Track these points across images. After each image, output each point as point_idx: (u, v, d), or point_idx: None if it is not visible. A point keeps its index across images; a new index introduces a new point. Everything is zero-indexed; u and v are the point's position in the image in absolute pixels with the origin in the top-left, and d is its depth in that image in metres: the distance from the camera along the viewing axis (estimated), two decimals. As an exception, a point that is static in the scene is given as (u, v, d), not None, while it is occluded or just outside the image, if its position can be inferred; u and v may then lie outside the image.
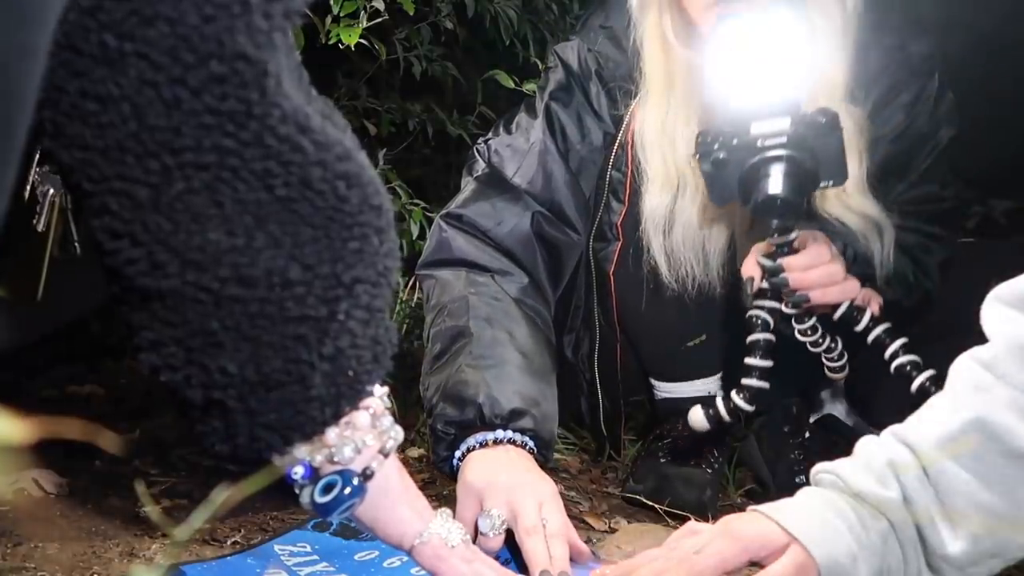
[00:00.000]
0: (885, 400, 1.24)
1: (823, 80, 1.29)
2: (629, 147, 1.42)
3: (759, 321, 1.22)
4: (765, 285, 1.20)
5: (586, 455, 1.61)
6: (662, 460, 1.45)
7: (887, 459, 0.88)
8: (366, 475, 0.80)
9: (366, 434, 0.78)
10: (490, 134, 1.50)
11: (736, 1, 1.25)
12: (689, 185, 1.35)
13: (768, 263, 1.19)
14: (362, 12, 1.54)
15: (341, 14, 1.53)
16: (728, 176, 1.16)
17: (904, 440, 0.88)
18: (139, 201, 0.63)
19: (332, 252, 0.69)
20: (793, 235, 1.18)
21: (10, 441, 0.38)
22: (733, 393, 1.24)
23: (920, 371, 1.19)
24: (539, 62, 1.93)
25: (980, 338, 0.89)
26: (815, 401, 1.52)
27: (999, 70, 1.77)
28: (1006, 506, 0.83)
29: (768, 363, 1.22)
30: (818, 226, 1.29)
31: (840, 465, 0.91)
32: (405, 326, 1.88)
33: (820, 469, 0.93)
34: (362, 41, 1.57)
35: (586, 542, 1.13)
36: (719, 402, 1.25)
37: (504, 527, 1.09)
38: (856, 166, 1.28)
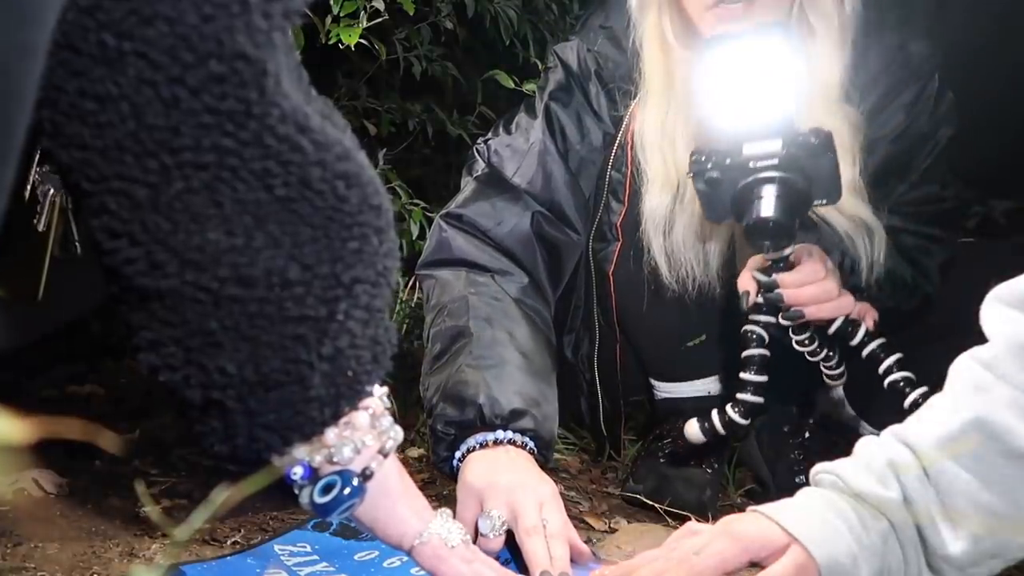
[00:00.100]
0: (885, 400, 1.24)
1: (819, 81, 1.29)
2: (629, 148, 1.42)
3: (754, 336, 1.23)
4: (760, 300, 1.21)
5: (586, 455, 1.61)
6: (662, 460, 1.45)
7: (887, 459, 0.87)
8: (365, 475, 0.80)
9: (365, 434, 0.78)
10: (490, 134, 1.50)
11: (735, 3, 1.25)
12: (689, 186, 1.35)
13: (763, 278, 1.20)
14: (362, 12, 1.54)
15: (341, 14, 1.53)
16: (722, 195, 1.17)
17: (904, 440, 0.88)
18: (138, 201, 0.63)
19: (331, 252, 0.69)
20: (788, 250, 1.18)
21: (10, 441, 0.38)
22: (728, 407, 1.26)
23: (914, 387, 1.20)
24: (539, 62, 1.93)
25: (980, 338, 0.89)
26: (815, 401, 1.52)
27: (999, 70, 1.76)
28: (1006, 506, 0.83)
29: (763, 378, 1.24)
30: (815, 237, 1.29)
31: (840, 465, 0.91)
32: (405, 326, 1.88)
33: (820, 469, 0.93)
34: (362, 41, 1.57)
35: (586, 542, 1.13)
36: (714, 415, 1.27)
37: (504, 528, 1.08)
38: (849, 168, 1.29)
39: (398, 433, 0.83)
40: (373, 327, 0.74)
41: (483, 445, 1.17)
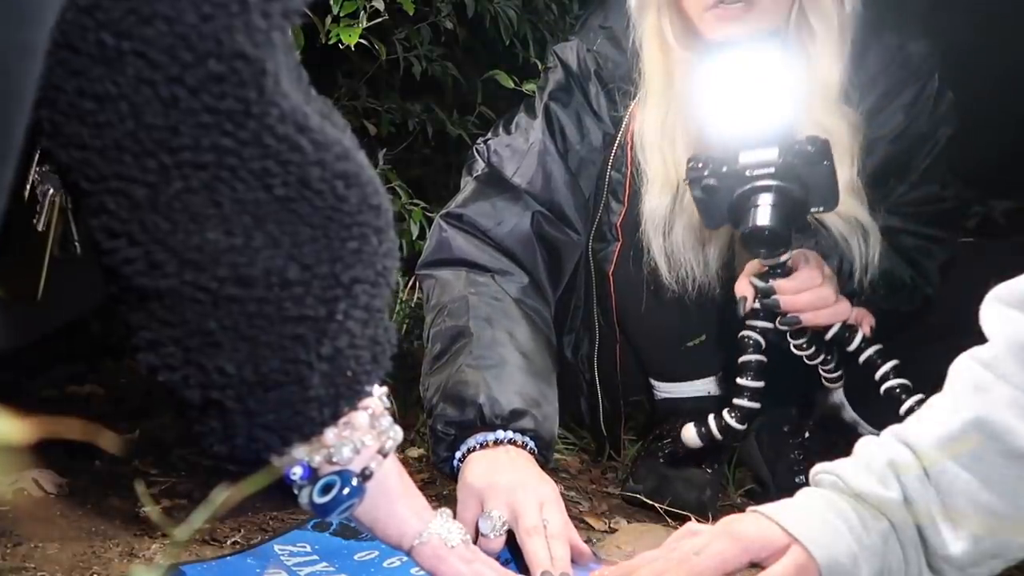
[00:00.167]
0: (884, 400, 1.24)
1: (819, 81, 1.29)
2: (629, 148, 1.42)
3: (751, 342, 1.24)
4: (757, 305, 1.21)
5: (586, 455, 1.61)
6: (662, 460, 1.45)
7: (888, 459, 0.87)
8: (365, 475, 0.80)
9: (365, 434, 0.78)
10: (489, 134, 1.50)
11: (735, 3, 1.25)
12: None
13: (760, 284, 1.21)
14: (362, 12, 1.54)
15: (341, 14, 1.53)
16: (719, 202, 1.17)
17: (904, 440, 0.88)
18: (137, 200, 0.63)
19: (331, 252, 0.69)
20: (785, 256, 1.19)
21: (10, 441, 0.38)
22: (725, 412, 1.27)
23: (910, 394, 1.21)
24: (539, 62, 1.93)
25: (980, 338, 0.89)
26: (814, 402, 1.52)
27: (999, 70, 1.76)
28: (1007, 507, 0.83)
29: (759, 384, 1.25)
30: (812, 241, 1.29)
31: (840, 465, 0.91)
32: (405, 326, 1.88)
33: (820, 469, 0.93)
34: (362, 41, 1.57)
35: (586, 542, 1.13)
36: (711, 420, 1.28)
37: (505, 528, 1.08)
38: (848, 168, 1.29)
39: (397, 433, 0.83)
40: (372, 327, 0.73)
41: (483, 445, 1.17)
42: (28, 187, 0.82)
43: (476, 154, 1.49)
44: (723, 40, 1.27)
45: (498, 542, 1.08)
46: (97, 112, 0.61)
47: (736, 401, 1.26)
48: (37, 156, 0.80)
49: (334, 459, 0.76)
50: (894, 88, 1.38)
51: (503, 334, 1.29)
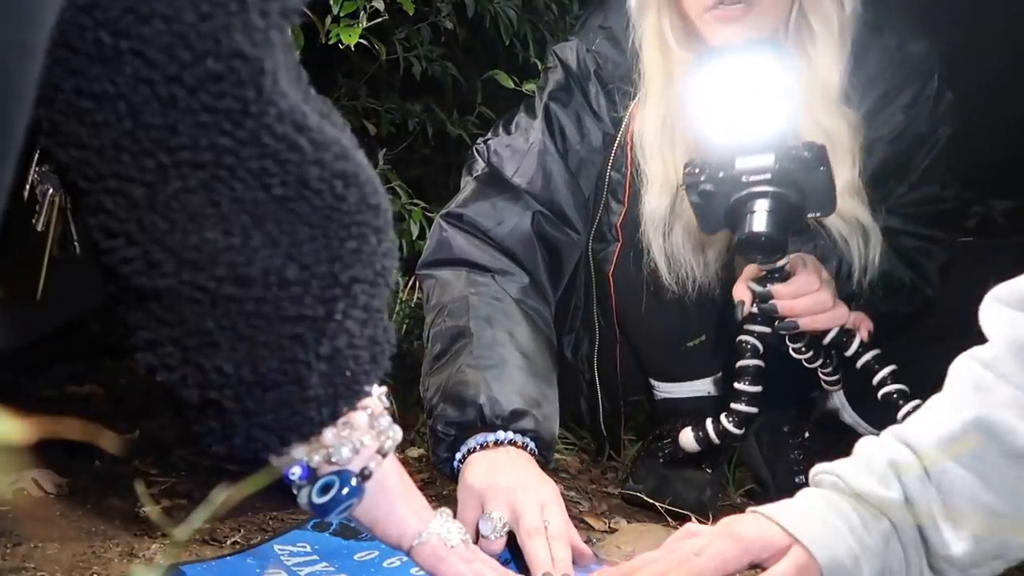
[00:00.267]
0: (883, 405, 1.24)
1: (819, 82, 1.29)
2: (628, 148, 1.42)
3: (748, 347, 1.24)
4: (755, 310, 1.21)
5: (586, 455, 1.61)
6: (662, 460, 1.45)
7: (888, 459, 0.87)
8: (364, 475, 0.80)
9: (364, 434, 0.78)
10: (489, 134, 1.50)
11: (735, 4, 1.25)
12: (688, 188, 1.35)
13: (758, 288, 1.21)
14: (362, 12, 1.54)
15: (341, 14, 1.53)
16: (715, 207, 1.18)
17: (905, 440, 0.88)
18: (135, 200, 0.63)
19: (329, 251, 0.69)
20: (783, 261, 1.19)
21: (10, 441, 0.38)
22: (723, 417, 1.28)
23: (907, 400, 1.21)
24: (539, 62, 1.93)
25: (980, 338, 0.89)
26: (814, 402, 1.52)
27: (999, 70, 1.76)
28: (1007, 507, 0.83)
29: (757, 388, 1.25)
30: (811, 244, 1.29)
31: (840, 466, 0.91)
32: (405, 326, 1.88)
33: (820, 470, 0.92)
34: (362, 41, 1.57)
35: (586, 542, 1.13)
36: (709, 424, 1.29)
37: (506, 529, 1.08)
38: (849, 169, 1.29)
39: (397, 433, 0.83)
40: (371, 327, 0.73)
41: (483, 446, 1.16)
42: (27, 187, 0.82)
43: (476, 154, 1.49)
44: (723, 41, 1.28)
45: (499, 543, 1.08)
46: (95, 111, 0.61)
47: (734, 406, 1.26)
48: (36, 156, 0.80)
49: (333, 459, 0.76)
50: (893, 88, 1.38)
51: (503, 334, 1.29)
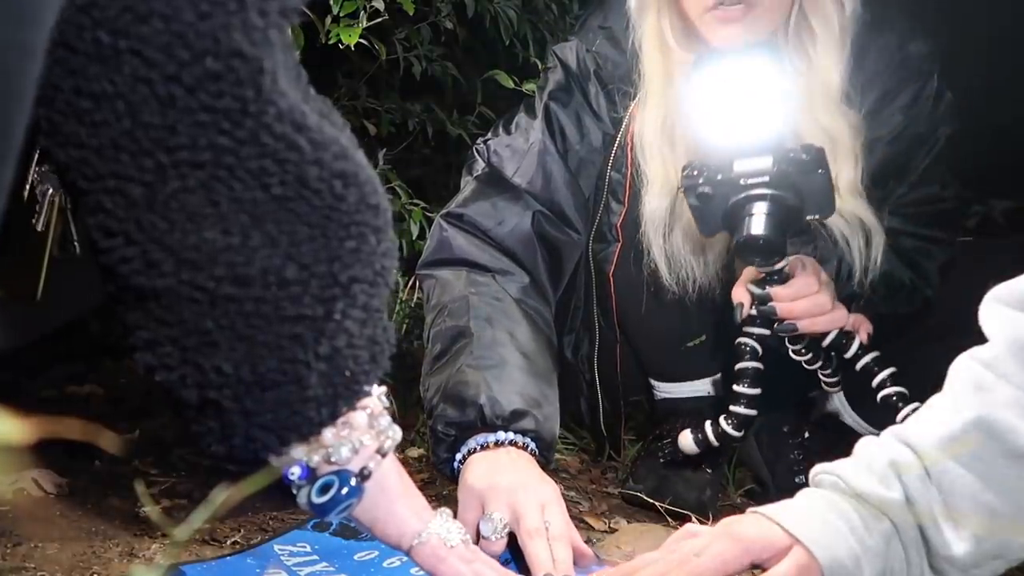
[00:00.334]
0: (882, 407, 1.24)
1: (820, 83, 1.29)
2: (629, 149, 1.42)
3: (747, 349, 1.25)
4: (754, 312, 1.21)
5: (586, 455, 1.61)
6: (662, 460, 1.45)
7: (889, 459, 0.87)
8: (363, 475, 0.80)
9: (363, 434, 0.78)
10: (489, 134, 1.50)
11: (735, 5, 1.25)
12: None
13: (757, 291, 1.21)
14: (362, 12, 1.54)
15: (341, 14, 1.53)
16: (714, 209, 1.18)
17: (905, 440, 0.88)
18: (133, 199, 0.63)
19: (329, 251, 0.69)
20: (783, 263, 1.19)
21: (10, 441, 0.38)
22: (722, 419, 1.28)
23: (906, 403, 1.21)
24: (539, 62, 1.93)
25: (980, 338, 0.88)
26: (814, 402, 1.52)
27: (999, 70, 1.76)
28: (1008, 507, 0.83)
29: (756, 391, 1.26)
30: (811, 246, 1.29)
31: (841, 466, 0.90)
32: (405, 326, 1.88)
33: (820, 470, 0.92)
34: (362, 41, 1.57)
35: (586, 542, 1.13)
36: (708, 427, 1.29)
37: (506, 530, 1.08)
38: (851, 169, 1.29)
39: (396, 433, 0.83)
40: (371, 327, 0.73)
41: (484, 447, 1.16)
42: (27, 187, 0.82)
43: (476, 154, 1.49)
44: (723, 42, 1.28)
45: (500, 544, 1.08)
46: (94, 111, 0.61)
47: (733, 408, 1.26)
48: (36, 156, 0.80)
49: (332, 459, 0.76)
50: (893, 89, 1.38)
51: (504, 334, 1.29)
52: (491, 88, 2.01)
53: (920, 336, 1.28)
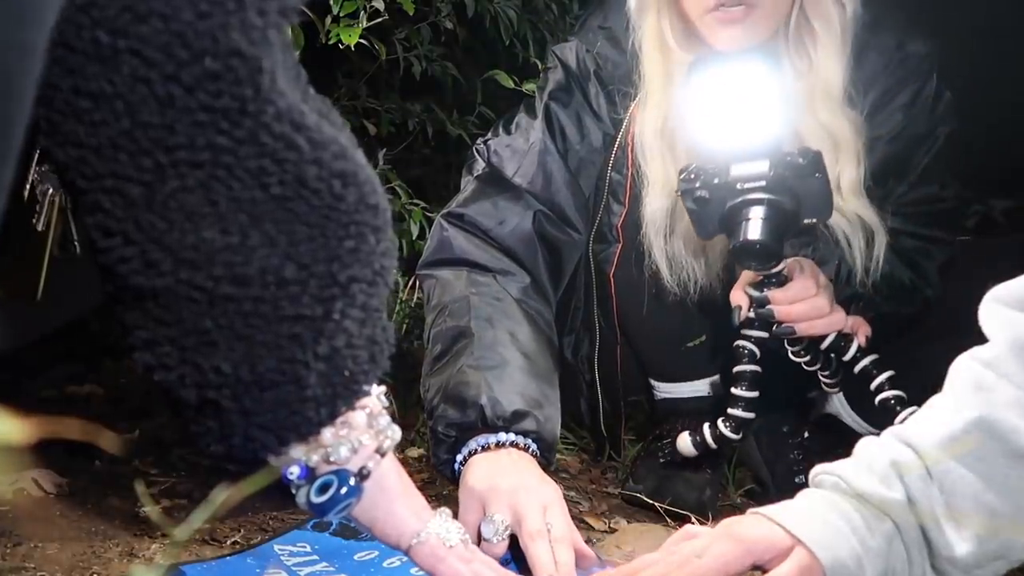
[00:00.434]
0: (880, 410, 1.24)
1: (821, 83, 1.29)
2: (629, 149, 1.41)
3: (745, 351, 1.25)
4: (752, 315, 1.21)
5: (586, 455, 1.61)
6: (662, 460, 1.45)
7: (890, 459, 0.87)
8: (362, 475, 0.80)
9: (362, 434, 0.78)
10: (489, 134, 1.50)
11: (735, 6, 1.25)
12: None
13: (755, 293, 1.21)
14: (362, 12, 1.54)
15: (341, 14, 1.53)
16: (711, 213, 1.18)
17: (906, 440, 0.88)
18: (132, 199, 0.63)
19: (328, 251, 0.69)
20: (781, 265, 1.19)
21: (10, 441, 0.38)
22: (719, 421, 1.28)
23: (905, 406, 1.21)
24: (539, 62, 1.93)
25: (980, 338, 0.88)
26: (813, 402, 1.52)
27: (999, 70, 1.76)
28: (1010, 507, 0.83)
29: (754, 394, 1.26)
30: (808, 249, 1.29)
31: (842, 466, 0.90)
32: (405, 326, 1.87)
33: (821, 470, 0.92)
34: (362, 41, 1.57)
35: (586, 542, 1.12)
36: (706, 429, 1.29)
37: (508, 532, 1.07)
38: (854, 168, 1.29)
39: (396, 432, 0.83)
40: (370, 326, 0.73)
41: (485, 448, 1.16)
42: (28, 187, 0.82)
43: (476, 154, 1.49)
44: (724, 43, 1.27)
45: (501, 547, 1.07)
46: (93, 110, 0.61)
47: (730, 411, 1.26)
48: (36, 156, 0.80)
49: (331, 458, 0.76)
50: (893, 88, 1.38)
51: (504, 334, 1.29)
52: (491, 88, 2.01)
53: (920, 336, 1.28)
